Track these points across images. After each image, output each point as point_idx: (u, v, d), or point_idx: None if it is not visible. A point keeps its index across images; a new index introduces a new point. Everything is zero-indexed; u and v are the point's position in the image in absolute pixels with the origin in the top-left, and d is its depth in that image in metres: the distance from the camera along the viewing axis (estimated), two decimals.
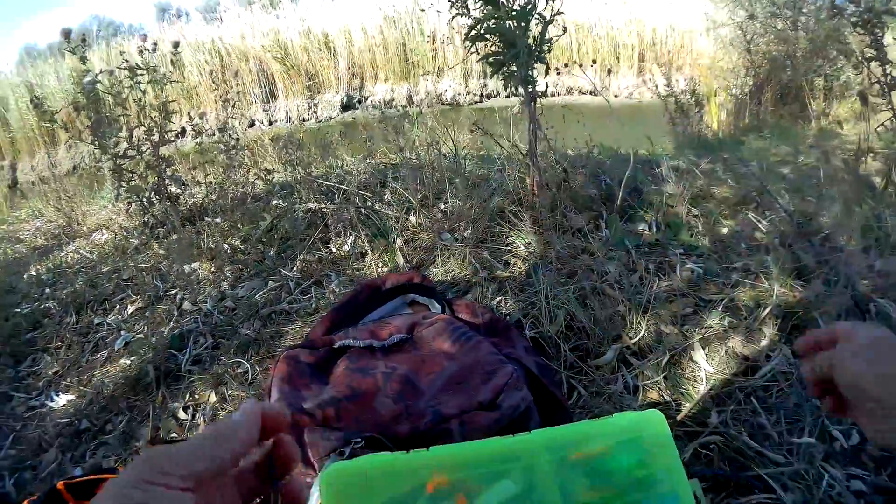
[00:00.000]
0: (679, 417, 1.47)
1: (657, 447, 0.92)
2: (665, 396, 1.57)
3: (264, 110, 11.40)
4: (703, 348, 1.69)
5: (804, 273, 1.98)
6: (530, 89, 2.26)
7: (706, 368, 1.63)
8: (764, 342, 1.67)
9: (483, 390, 1.18)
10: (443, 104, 10.70)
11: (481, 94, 11.27)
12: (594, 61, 10.32)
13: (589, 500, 0.89)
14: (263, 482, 0.47)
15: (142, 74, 3.28)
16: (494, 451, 0.91)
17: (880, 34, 3.10)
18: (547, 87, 2.35)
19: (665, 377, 1.62)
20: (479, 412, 1.13)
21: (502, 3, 2.14)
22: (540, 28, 2.26)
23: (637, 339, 1.75)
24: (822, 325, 1.69)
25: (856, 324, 0.69)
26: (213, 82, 10.94)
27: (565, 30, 2.40)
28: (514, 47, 2.20)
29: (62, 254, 3.59)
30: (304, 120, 11.30)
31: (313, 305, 2.31)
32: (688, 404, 1.52)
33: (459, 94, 11.23)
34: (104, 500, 0.37)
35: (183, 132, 3.43)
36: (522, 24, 2.19)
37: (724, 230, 2.38)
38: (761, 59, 6.79)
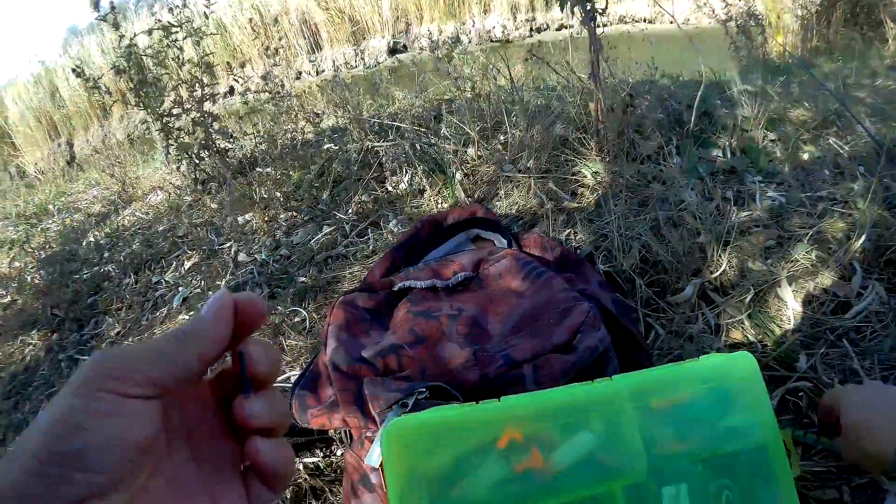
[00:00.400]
0: (765, 361, 1.36)
1: (747, 393, 0.87)
2: (749, 337, 1.45)
3: (310, 61, 11.36)
4: (790, 284, 1.55)
5: (895, 203, 1.81)
6: (589, 7, 2.10)
7: (793, 307, 1.50)
8: (856, 278, 1.52)
9: (557, 331, 1.08)
10: (491, 41, 10.44)
11: (530, 29, 10.96)
12: None
13: (674, 451, 0.82)
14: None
15: (176, 32, 3.24)
16: (571, 400, 0.83)
17: None
18: (607, 4, 2.19)
19: (749, 315, 1.49)
20: (554, 355, 1.04)
21: None
22: None
23: (718, 273, 1.62)
24: None
25: (844, 397, 0.83)
26: (254, 30, 10.92)
27: None
28: None
29: (118, 218, 3.72)
30: (351, 67, 11.23)
31: (370, 247, 2.25)
32: (774, 346, 1.40)
33: (508, 30, 10.94)
34: (52, 412, 0.30)
35: (231, 91, 3.42)
36: None
37: (805, 156, 2.20)
38: None
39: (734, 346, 1.43)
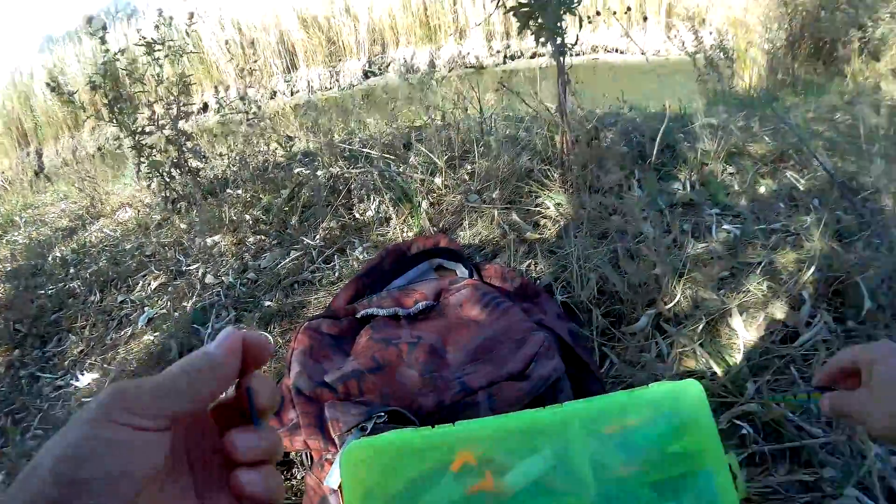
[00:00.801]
0: (715, 388, 1.41)
1: (694, 419, 0.89)
2: (701, 365, 1.50)
3: (286, 81, 11.37)
4: (741, 314, 1.61)
5: (846, 235, 1.89)
6: (559, 41, 2.17)
7: (744, 336, 1.55)
8: (805, 308, 1.59)
9: (513, 360, 1.12)
10: (466, 67, 10.56)
11: (505, 56, 11.10)
12: (628, 8, 10.05)
13: (623, 474, 0.85)
14: (245, 420, 0.40)
15: (159, 49, 3.26)
16: (524, 425, 0.87)
17: None
18: (577, 39, 2.25)
19: (701, 344, 1.54)
20: (509, 383, 1.08)
21: None
22: None
23: (672, 304, 1.67)
24: (864, 291, 1.60)
25: (878, 349, 0.69)
26: (229, 52, 10.94)
27: None
28: None
29: (86, 234, 3.65)
30: (326, 88, 11.26)
31: (336, 274, 2.27)
32: (724, 374, 1.45)
33: (483, 56, 11.07)
34: (66, 439, 0.32)
35: (205, 108, 3.43)
36: None
37: (762, 189, 2.28)
38: (795, 11, 6.58)
39: (686, 374, 1.48)
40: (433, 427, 0.84)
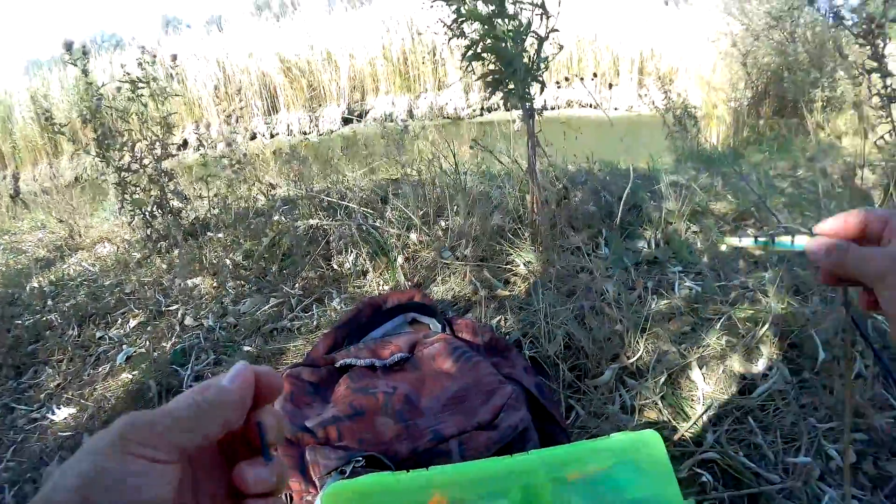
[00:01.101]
0: (676, 437, 1.48)
1: (653, 467, 0.95)
2: (662, 416, 1.58)
3: (266, 123, 11.47)
4: (701, 367, 1.70)
5: (802, 290, 2.00)
6: (528, 106, 2.29)
7: (703, 388, 1.64)
8: (761, 361, 1.68)
9: (482, 410, 1.20)
10: (444, 117, 10.74)
11: (482, 108, 11.32)
12: (595, 75, 10.37)
13: None
14: (251, 451, 0.41)
15: (143, 87, 3.31)
16: (493, 471, 0.93)
17: (881, 45, 3.11)
18: (545, 104, 2.38)
19: (662, 397, 1.63)
20: (479, 432, 1.15)
21: (497, 23, 2.17)
22: (536, 46, 2.28)
23: (635, 358, 1.76)
24: (818, 343, 1.70)
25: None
26: (217, 96, 11.02)
27: (561, 48, 2.41)
28: (510, 66, 2.22)
29: (64, 266, 3.61)
30: (305, 133, 11.36)
31: (315, 323, 2.32)
32: (685, 424, 1.53)
33: (460, 108, 11.28)
34: (77, 469, 0.33)
35: (185, 144, 3.44)
36: (518, 42, 2.21)
37: (723, 247, 2.39)
38: (759, 72, 6.83)
39: (648, 425, 1.55)
40: (408, 471, 0.91)
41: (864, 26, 3.14)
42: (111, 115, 3.40)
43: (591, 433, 1.54)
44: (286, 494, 1.21)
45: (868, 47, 3.16)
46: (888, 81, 3.04)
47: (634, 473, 0.95)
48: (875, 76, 3.14)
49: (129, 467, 0.33)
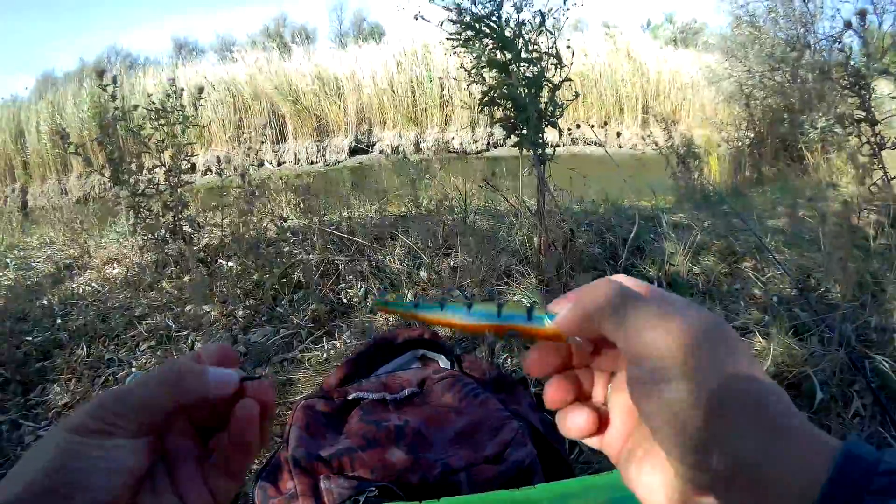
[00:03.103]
0: None
1: None
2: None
3: (273, 151, 11.53)
4: None
5: (801, 331, 2.04)
6: (539, 152, 2.36)
7: None
8: None
9: (490, 445, 1.25)
10: (449, 152, 10.82)
11: (488, 143, 11.41)
12: (605, 123, 10.49)
13: None
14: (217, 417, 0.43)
15: (167, 117, 3.36)
16: (500, 503, 0.98)
17: (867, 96, 3.20)
18: (555, 150, 2.44)
19: None
20: (486, 465, 1.20)
21: (513, 70, 2.25)
22: (549, 94, 2.36)
23: None
24: (816, 383, 1.74)
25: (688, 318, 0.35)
26: (231, 125, 11.12)
27: (577, 95, 2.50)
28: (524, 112, 2.30)
29: (73, 285, 3.60)
30: (312, 162, 11.43)
31: (325, 356, 2.36)
32: None
33: (466, 142, 11.36)
34: (47, 444, 0.35)
35: (193, 168, 3.46)
36: (533, 90, 2.29)
37: (724, 287, 2.45)
38: (760, 112, 6.91)
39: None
40: (420, 502, 0.96)
41: (850, 79, 3.24)
42: (129, 138, 3.43)
43: (595, 468, 1.58)
44: None
45: (856, 98, 3.25)
46: (876, 130, 3.12)
47: None
48: (864, 125, 3.23)
49: (102, 443, 0.36)
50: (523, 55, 2.25)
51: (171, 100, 3.47)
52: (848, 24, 3.57)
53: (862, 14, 3.58)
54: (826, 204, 3.51)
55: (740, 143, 7.00)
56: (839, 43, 3.81)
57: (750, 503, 0.32)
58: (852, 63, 3.36)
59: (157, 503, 0.39)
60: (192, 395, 0.40)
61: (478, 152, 11.13)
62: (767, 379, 0.34)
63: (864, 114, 3.24)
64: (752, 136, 6.92)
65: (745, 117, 7.12)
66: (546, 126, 2.34)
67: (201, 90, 4.10)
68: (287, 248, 3.30)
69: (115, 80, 3.49)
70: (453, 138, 11.36)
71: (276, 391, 0.47)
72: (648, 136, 6.83)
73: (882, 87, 4.97)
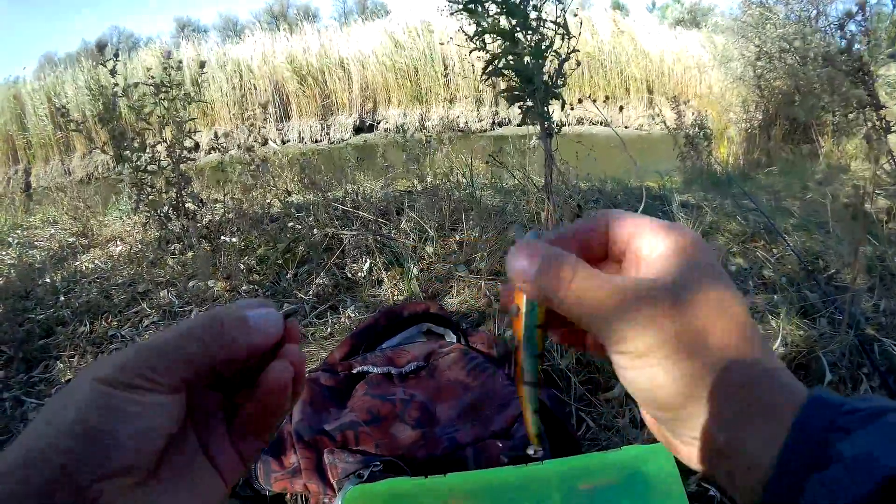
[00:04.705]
0: None
1: (663, 481, 0.97)
2: None
3: (277, 129, 11.52)
4: None
5: (811, 312, 2.02)
6: (546, 125, 2.32)
7: None
8: None
9: (497, 420, 1.22)
10: (454, 130, 10.80)
11: (493, 122, 11.37)
12: (606, 98, 10.42)
13: None
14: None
15: (166, 91, 3.34)
16: (507, 479, 0.96)
17: (871, 82, 3.16)
18: (563, 121, 2.41)
19: None
20: (494, 441, 1.18)
21: (519, 39, 2.20)
22: (556, 64, 2.31)
23: None
24: (825, 364, 1.72)
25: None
26: (231, 102, 11.10)
27: (578, 64, 2.45)
28: (531, 83, 2.25)
29: (77, 262, 3.61)
30: (316, 141, 11.41)
31: (329, 330, 2.34)
32: None
33: (471, 121, 11.32)
34: (77, 405, 0.32)
35: (196, 147, 3.43)
36: (539, 60, 2.25)
37: (733, 268, 2.42)
38: (771, 95, 6.84)
39: (657, 439, 1.57)
40: (426, 477, 0.94)
41: (854, 65, 3.20)
42: (131, 115, 3.42)
43: (602, 445, 1.56)
44: (302, 496, 1.24)
45: (861, 85, 3.22)
46: (881, 114, 3.08)
47: (644, 486, 0.97)
48: (868, 110, 3.19)
49: (134, 397, 0.33)
50: (531, 20, 2.19)
51: (168, 74, 3.45)
52: (850, 14, 3.53)
53: (862, 5, 3.55)
54: (836, 187, 3.47)
55: (750, 125, 6.94)
56: (842, 30, 3.77)
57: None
58: (856, 48, 3.31)
59: (186, 464, 0.37)
60: (239, 348, 0.37)
61: (483, 131, 11.09)
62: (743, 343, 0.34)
63: (868, 98, 3.19)
64: (763, 118, 6.86)
65: (754, 99, 7.05)
66: (552, 97, 2.29)
67: (202, 65, 4.07)
68: (291, 224, 3.28)
69: (116, 55, 3.44)
70: (458, 117, 11.32)
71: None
72: (658, 115, 6.76)
73: (894, 71, 4.91)
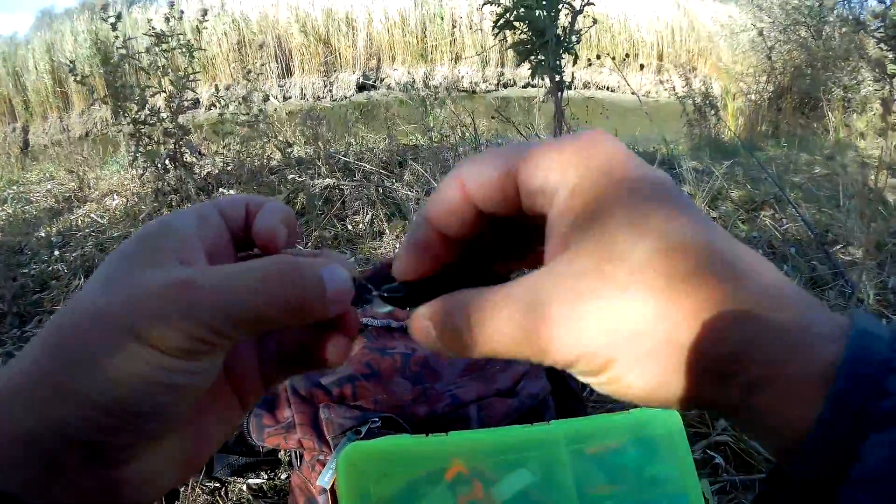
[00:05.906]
0: (689, 418, 1.47)
1: (670, 446, 0.93)
2: None
3: (279, 86, 11.38)
4: None
5: (819, 283, 1.98)
6: (557, 79, 2.25)
7: None
8: None
9: (502, 377, 1.18)
10: (459, 90, 10.68)
11: (498, 83, 11.25)
12: (627, 55, 10.27)
13: (602, 493, 0.90)
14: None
15: (167, 41, 3.27)
16: (513, 440, 0.91)
17: None
18: (573, 77, 2.33)
19: None
20: (498, 399, 1.13)
21: None
22: (569, 18, 2.24)
23: None
24: None
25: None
26: (240, 52, 10.96)
27: (595, 21, 2.38)
28: (542, 36, 2.19)
29: (72, 217, 3.57)
30: (318, 98, 11.28)
31: None
32: None
33: (476, 82, 11.20)
34: (123, 369, 0.26)
35: (197, 102, 3.40)
36: (552, 13, 2.17)
37: (742, 235, 2.37)
38: (782, 66, 6.75)
39: None
40: (427, 435, 0.89)
41: (888, 31, 3.11)
42: (132, 67, 3.37)
43: (607, 408, 1.52)
44: (295, 453, 1.20)
45: (891, 52, 3.13)
46: None
47: (652, 450, 0.94)
48: None
49: (187, 365, 0.28)
50: None
51: (170, 23, 3.38)
52: None
53: None
54: (845, 162, 3.42)
55: (759, 96, 6.84)
56: None
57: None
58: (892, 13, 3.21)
59: (215, 402, 0.33)
60: (307, 318, 0.31)
61: (487, 91, 10.97)
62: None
63: None
64: (772, 89, 6.76)
65: (765, 70, 6.94)
66: (564, 52, 2.22)
67: (205, 13, 3.98)
68: (292, 176, 3.22)
69: (119, 17, 3.38)
70: (463, 77, 11.19)
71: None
72: (666, 80, 6.66)
73: None
